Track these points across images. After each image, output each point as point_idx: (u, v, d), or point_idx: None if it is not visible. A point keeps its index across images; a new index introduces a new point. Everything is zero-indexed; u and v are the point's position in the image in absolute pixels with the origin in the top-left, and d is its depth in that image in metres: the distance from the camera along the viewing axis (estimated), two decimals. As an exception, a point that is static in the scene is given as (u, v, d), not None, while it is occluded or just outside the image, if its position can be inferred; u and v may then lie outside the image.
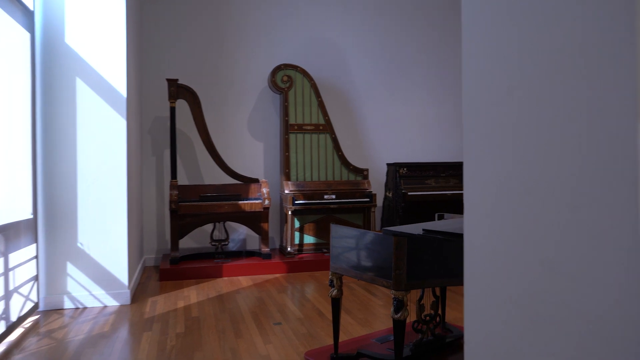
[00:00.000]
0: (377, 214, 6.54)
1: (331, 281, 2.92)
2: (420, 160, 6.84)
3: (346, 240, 2.83)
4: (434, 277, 2.57)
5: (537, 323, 0.91)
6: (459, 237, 2.31)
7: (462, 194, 6.28)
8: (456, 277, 2.57)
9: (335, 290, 2.92)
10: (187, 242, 5.98)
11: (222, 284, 5.02)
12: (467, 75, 1.13)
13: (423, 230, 2.49)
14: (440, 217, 3.53)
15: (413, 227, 2.67)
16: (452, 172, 6.40)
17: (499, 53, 1.04)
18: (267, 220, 5.69)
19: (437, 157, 6.94)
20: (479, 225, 1.13)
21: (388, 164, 6.45)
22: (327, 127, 6.11)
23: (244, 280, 5.17)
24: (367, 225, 6.07)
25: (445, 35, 6.99)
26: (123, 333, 3.60)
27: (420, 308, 2.99)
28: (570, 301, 0.83)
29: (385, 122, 6.78)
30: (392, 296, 2.53)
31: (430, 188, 6.26)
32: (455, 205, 6.34)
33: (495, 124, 1.06)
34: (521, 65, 0.96)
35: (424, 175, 6.30)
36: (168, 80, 5.57)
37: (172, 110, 5.60)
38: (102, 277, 4.25)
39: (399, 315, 2.53)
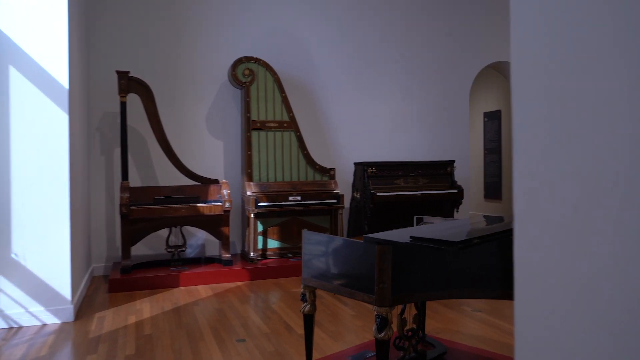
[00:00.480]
0: (344, 216, 6.23)
1: (303, 295, 2.58)
2: (389, 159, 6.57)
3: (320, 249, 2.50)
4: (423, 290, 2.27)
5: (594, 342, 0.79)
6: (453, 245, 2.02)
7: (432, 194, 6.07)
8: (450, 289, 2.28)
9: (308, 306, 2.58)
10: (141, 249, 5.51)
11: (179, 295, 4.60)
12: (516, 64, 0.89)
13: (410, 237, 2.18)
14: (419, 221, 3.25)
15: (397, 233, 2.37)
16: (422, 171, 6.17)
17: (557, 47, 0.84)
18: (227, 224, 5.29)
19: (408, 156, 6.70)
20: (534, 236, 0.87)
21: (356, 164, 6.17)
22: (291, 125, 5.76)
23: (203, 290, 4.76)
24: (334, 227, 5.75)
25: (415, 29, 6.76)
26: (63, 357, 3.14)
27: (402, 322, 2.69)
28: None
29: (352, 120, 6.48)
30: (375, 313, 2.22)
31: (400, 188, 6.01)
32: (426, 206, 6.11)
33: (552, 124, 0.84)
34: (578, 65, 0.80)
35: (393, 175, 6.04)
36: (118, 72, 5.10)
37: (123, 105, 5.13)
38: (40, 291, 3.76)
39: (382, 334, 2.21)
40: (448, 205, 6.26)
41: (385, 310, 2.20)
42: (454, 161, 6.35)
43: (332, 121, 6.39)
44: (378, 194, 5.80)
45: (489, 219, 2.82)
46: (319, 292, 4.49)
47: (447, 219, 3.12)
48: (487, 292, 2.24)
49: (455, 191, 6.16)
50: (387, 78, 6.64)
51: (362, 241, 2.27)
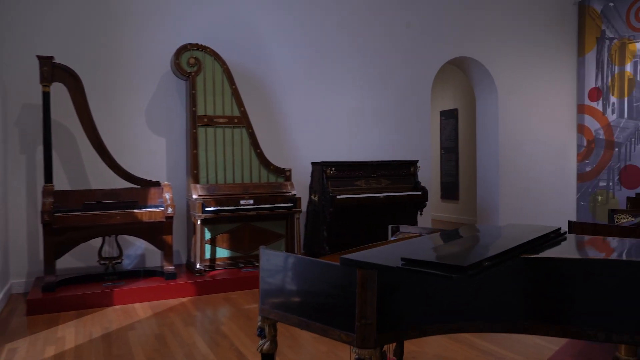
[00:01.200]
0: (301, 221, 5.72)
1: (261, 330, 2.06)
2: (349, 159, 6.12)
3: (283, 272, 1.99)
4: (418, 325, 1.80)
5: None
6: (461, 271, 1.55)
7: (395, 196, 5.65)
8: (453, 322, 1.82)
9: (268, 343, 2.06)
10: (69, 261, 4.81)
11: (113, 316, 3.96)
12: None
13: (402, 260, 1.70)
14: (395, 230, 2.79)
15: (382, 252, 1.89)
16: (384, 172, 5.75)
17: None
18: (170, 232, 4.68)
19: (368, 156, 6.25)
20: None
21: (313, 164, 5.68)
22: (242, 120, 5.21)
23: (141, 309, 4.14)
24: (290, 234, 5.25)
25: (381, 19, 6.33)
26: (-46, 409, 2.49)
27: (382, 357, 2.21)
28: None
29: (309, 116, 5.98)
30: (355, 356, 1.73)
31: (361, 190, 5.57)
32: (388, 209, 5.70)
33: None
34: None
35: (354, 176, 5.59)
36: (40, 57, 4.39)
37: (46, 96, 4.44)
38: None
39: (365, 383, 1.72)
40: (411, 207, 5.87)
41: (368, 353, 1.73)
42: (417, 161, 5.98)
43: (287, 117, 5.87)
44: (338, 196, 5.34)
45: (494, 230, 2.38)
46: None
47: (426, 228, 2.68)
48: (506, 324, 1.79)
49: (419, 193, 5.78)
50: (346, 71, 6.19)
51: (337, 264, 1.78)
